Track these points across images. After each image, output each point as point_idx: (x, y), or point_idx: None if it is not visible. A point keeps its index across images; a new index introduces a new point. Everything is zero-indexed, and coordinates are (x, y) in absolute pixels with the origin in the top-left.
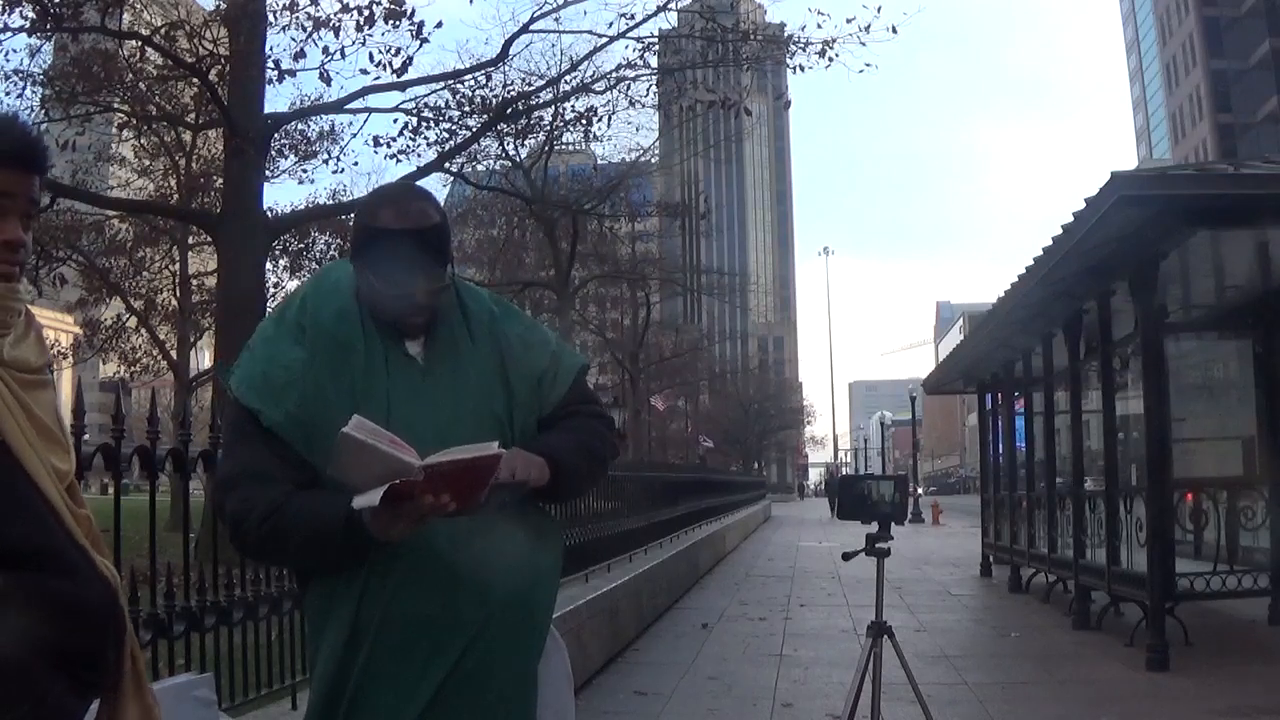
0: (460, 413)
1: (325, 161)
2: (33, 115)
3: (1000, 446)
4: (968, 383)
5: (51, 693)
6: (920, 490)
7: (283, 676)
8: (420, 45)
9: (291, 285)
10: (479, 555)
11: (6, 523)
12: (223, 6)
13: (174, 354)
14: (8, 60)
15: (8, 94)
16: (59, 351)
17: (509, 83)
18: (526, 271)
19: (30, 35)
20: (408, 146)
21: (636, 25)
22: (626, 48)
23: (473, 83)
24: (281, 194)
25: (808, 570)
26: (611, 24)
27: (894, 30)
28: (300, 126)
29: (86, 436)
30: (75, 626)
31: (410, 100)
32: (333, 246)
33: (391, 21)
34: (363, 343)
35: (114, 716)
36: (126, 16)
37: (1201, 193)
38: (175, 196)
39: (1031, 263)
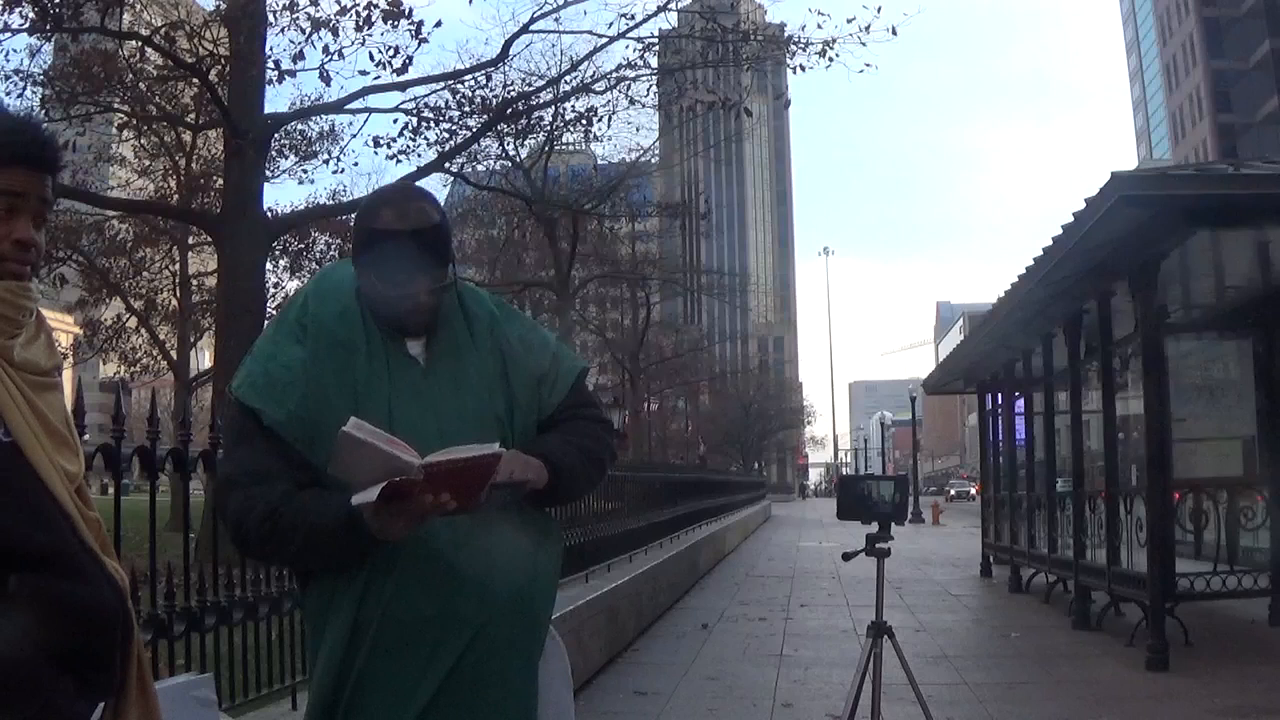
0: (461, 413)
1: (325, 162)
2: (33, 115)
3: (1000, 447)
4: (968, 383)
5: (59, 695)
6: (973, 491)
7: (283, 676)
8: (419, 45)
9: (292, 285)
10: (479, 555)
11: (17, 525)
12: (223, 6)
13: (174, 354)
14: (8, 60)
15: (8, 94)
16: (61, 352)
17: (509, 83)
18: (526, 271)
19: (30, 35)
20: (408, 147)
21: (636, 25)
22: (626, 48)
23: (473, 83)
24: (281, 194)
25: (808, 570)
26: (611, 24)
27: (894, 31)
28: (300, 127)
29: (86, 437)
30: (84, 629)
31: (410, 100)
32: (333, 247)
33: (390, 21)
34: (364, 343)
35: (116, 718)
36: (126, 17)
37: (1201, 193)
38: (175, 197)
39: (1031, 263)
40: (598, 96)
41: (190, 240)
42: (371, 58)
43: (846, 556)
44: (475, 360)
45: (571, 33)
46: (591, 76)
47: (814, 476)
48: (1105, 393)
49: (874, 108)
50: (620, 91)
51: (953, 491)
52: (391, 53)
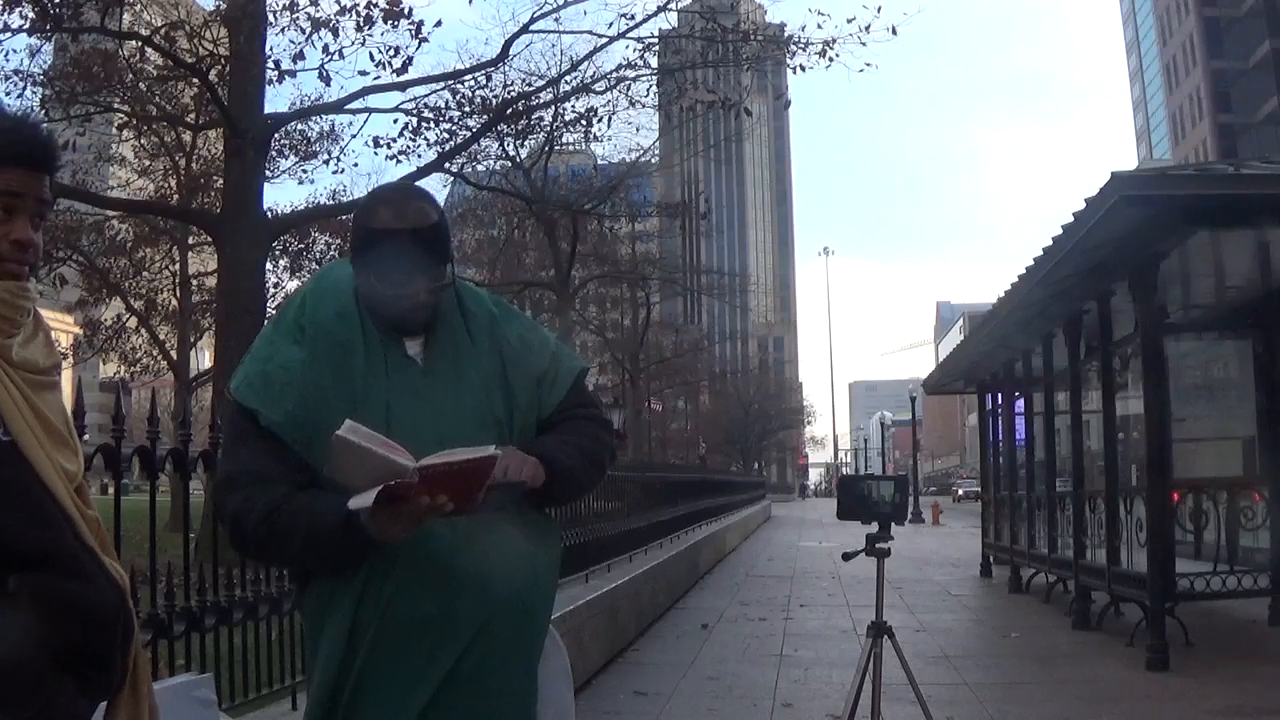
0: (460, 414)
1: (325, 162)
2: (31, 115)
3: (1000, 447)
4: (968, 383)
5: (61, 694)
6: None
7: (283, 676)
8: (420, 45)
9: (291, 285)
10: (478, 556)
11: (17, 524)
12: (223, 6)
13: (174, 354)
14: (8, 60)
15: (8, 94)
16: (60, 351)
17: (509, 83)
18: (526, 271)
19: (30, 35)
20: (408, 147)
21: (636, 25)
22: (626, 48)
23: (473, 83)
24: (281, 194)
25: (808, 570)
26: (611, 24)
27: (894, 31)
28: (300, 127)
29: (86, 437)
30: (85, 628)
31: (410, 100)
32: (333, 247)
33: (390, 21)
34: (362, 343)
35: (110, 717)
36: (126, 17)
37: (1201, 193)
38: (175, 196)
39: (1031, 263)
40: (598, 96)
41: (190, 240)
42: (371, 58)
43: (846, 556)
44: (474, 360)
45: (571, 33)
46: (591, 77)
47: (814, 476)
48: (1105, 393)
49: (874, 108)
50: (620, 91)
51: (960, 491)
52: (391, 53)
